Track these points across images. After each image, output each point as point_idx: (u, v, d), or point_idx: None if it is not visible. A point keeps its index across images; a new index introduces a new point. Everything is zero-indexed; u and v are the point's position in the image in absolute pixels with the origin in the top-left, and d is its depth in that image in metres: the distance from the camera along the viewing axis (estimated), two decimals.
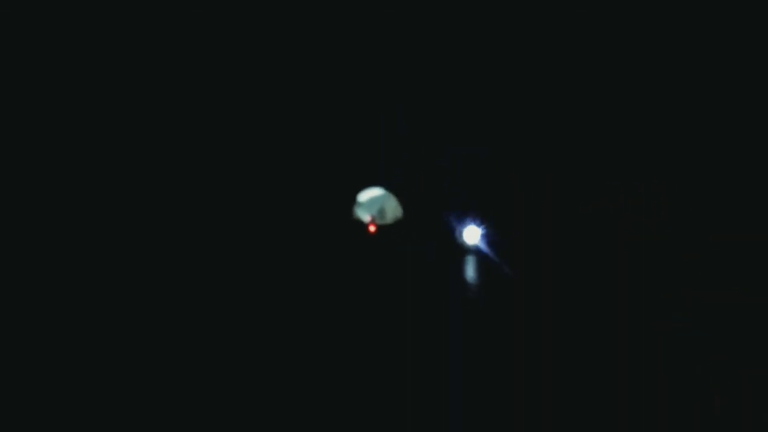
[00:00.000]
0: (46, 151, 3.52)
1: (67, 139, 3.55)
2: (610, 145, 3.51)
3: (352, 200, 3.56)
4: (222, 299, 3.32)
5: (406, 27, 3.58)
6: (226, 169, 3.60)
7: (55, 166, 3.53)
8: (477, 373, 2.60)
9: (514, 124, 3.62)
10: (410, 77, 3.64)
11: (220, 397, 2.43)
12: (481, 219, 3.49)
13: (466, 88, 3.64)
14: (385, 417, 2.28)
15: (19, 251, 3.39)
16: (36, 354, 2.78)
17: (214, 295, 3.34)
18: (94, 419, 2.30)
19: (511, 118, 3.62)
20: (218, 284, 3.40)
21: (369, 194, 3.41)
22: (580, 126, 3.57)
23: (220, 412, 2.34)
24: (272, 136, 3.64)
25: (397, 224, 3.50)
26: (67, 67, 3.55)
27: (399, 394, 2.42)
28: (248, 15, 3.58)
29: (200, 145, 3.57)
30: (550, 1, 3.54)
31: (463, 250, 3.51)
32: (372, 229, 3.23)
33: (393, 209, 3.38)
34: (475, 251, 3.50)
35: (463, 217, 3.50)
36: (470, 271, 3.39)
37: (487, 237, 3.51)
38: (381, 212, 3.34)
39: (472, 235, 3.48)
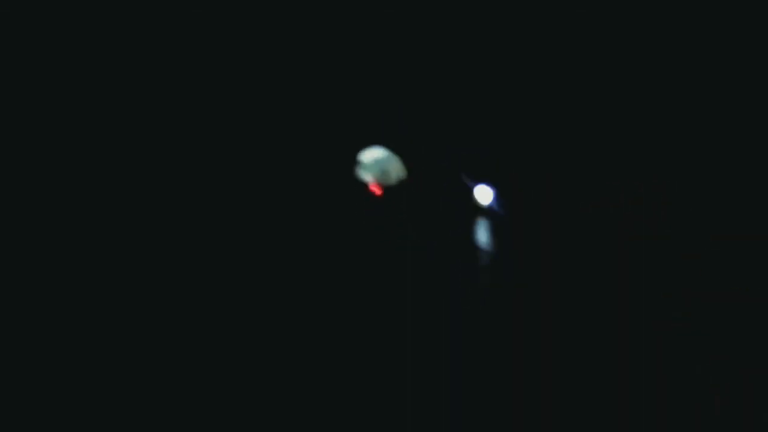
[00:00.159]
0: (46, 150, 3.52)
1: (65, 139, 3.55)
2: (610, 145, 3.50)
3: (350, 199, 3.55)
4: (213, 287, 3.31)
5: (407, 27, 3.58)
6: (222, 158, 3.59)
7: (54, 165, 3.53)
8: (476, 372, 2.60)
9: (513, 124, 3.62)
10: (410, 77, 3.64)
11: (215, 393, 2.42)
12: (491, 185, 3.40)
13: (466, 88, 3.64)
14: (385, 411, 2.28)
15: (19, 251, 3.39)
16: (36, 354, 2.77)
17: (206, 284, 3.33)
18: (94, 419, 2.30)
19: (510, 118, 3.62)
20: (209, 272, 3.38)
21: (371, 154, 3.33)
22: (580, 126, 3.57)
23: (215, 408, 2.33)
24: (270, 134, 3.64)
25: (397, 220, 3.47)
26: (66, 66, 3.55)
27: (398, 389, 2.42)
28: (248, 12, 3.58)
29: (197, 138, 3.56)
30: (550, 1, 3.54)
31: (474, 216, 3.42)
32: (375, 190, 3.16)
33: (396, 169, 3.30)
34: (488, 212, 3.41)
35: (475, 179, 3.41)
36: (483, 235, 3.31)
37: (498, 199, 3.43)
38: (384, 173, 3.26)
39: (484, 195, 3.39)
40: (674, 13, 3.47)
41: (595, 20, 3.51)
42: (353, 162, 3.56)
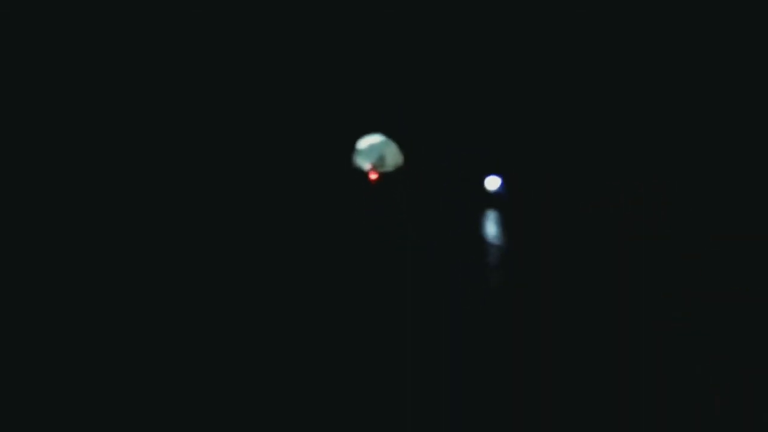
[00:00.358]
0: (46, 150, 3.52)
1: (64, 139, 3.55)
2: (610, 145, 3.50)
3: (349, 197, 3.55)
4: (213, 285, 3.31)
5: (407, 27, 3.58)
6: (221, 155, 3.59)
7: (54, 165, 3.53)
8: (476, 370, 2.60)
9: (513, 124, 3.62)
10: (410, 77, 3.64)
11: (214, 392, 2.43)
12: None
13: (465, 88, 3.64)
14: (385, 411, 2.28)
15: (19, 251, 3.39)
16: (36, 354, 2.78)
17: (207, 282, 3.33)
18: (94, 419, 2.30)
19: (510, 118, 3.62)
20: (210, 270, 3.39)
21: (368, 141, 3.32)
22: (580, 126, 3.57)
23: (214, 407, 2.34)
24: (270, 133, 3.64)
25: (396, 222, 3.47)
26: (66, 66, 3.55)
27: (398, 388, 2.42)
28: (248, 12, 3.58)
29: (195, 135, 3.56)
30: (550, 1, 3.53)
31: (482, 208, 3.39)
32: (373, 176, 3.15)
33: (393, 155, 3.30)
34: (496, 200, 3.38)
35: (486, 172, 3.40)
36: (491, 228, 3.28)
37: (504, 187, 3.41)
38: (381, 159, 3.26)
39: (492, 183, 3.36)
40: (674, 14, 3.47)
41: (594, 21, 3.51)
42: (354, 161, 3.57)
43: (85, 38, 3.53)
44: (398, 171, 3.35)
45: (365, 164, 3.27)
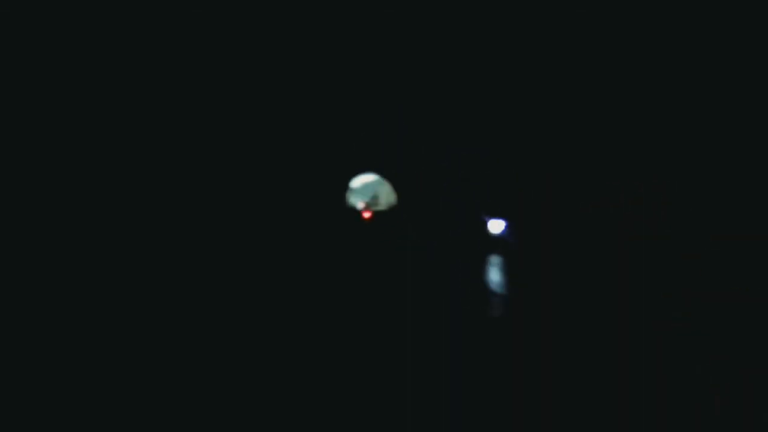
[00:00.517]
0: (46, 150, 3.52)
1: (64, 139, 3.55)
2: (610, 145, 3.50)
3: (346, 199, 3.55)
4: (212, 294, 3.31)
5: (406, 27, 3.58)
6: (222, 159, 3.59)
7: (54, 165, 3.53)
8: (477, 370, 2.60)
9: (513, 124, 3.62)
10: (410, 77, 3.64)
11: (218, 392, 2.43)
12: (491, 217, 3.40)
13: (465, 88, 3.64)
14: (385, 410, 2.28)
15: (19, 251, 3.39)
16: (36, 354, 2.77)
17: (204, 289, 3.33)
18: (94, 419, 2.30)
19: (510, 118, 3.62)
20: (207, 279, 3.39)
21: (362, 180, 3.34)
22: (580, 126, 3.57)
23: (218, 407, 2.34)
24: (268, 133, 3.64)
25: (396, 222, 3.47)
26: (66, 67, 3.55)
27: (398, 389, 2.42)
28: (248, 12, 3.58)
29: (195, 140, 3.57)
30: (550, 1, 3.53)
31: (484, 247, 3.40)
32: (366, 215, 3.16)
33: (386, 195, 3.31)
34: (500, 243, 3.37)
35: (489, 212, 3.41)
36: (495, 274, 3.28)
37: (508, 231, 3.41)
38: (374, 198, 3.27)
39: (496, 226, 3.36)
40: (674, 14, 3.47)
41: (594, 21, 3.51)
42: (353, 164, 3.56)
43: (85, 38, 3.53)
44: (393, 208, 3.36)
45: (358, 203, 3.29)
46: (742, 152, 3.38)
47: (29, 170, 3.48)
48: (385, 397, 2.34)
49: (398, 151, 3.61)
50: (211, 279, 3.43)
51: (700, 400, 2.30)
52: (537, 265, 3.46)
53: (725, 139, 3.40)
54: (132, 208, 3.49)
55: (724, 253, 3.21)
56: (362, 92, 3.65)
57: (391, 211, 3.33)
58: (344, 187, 3.56)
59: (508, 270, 3.31)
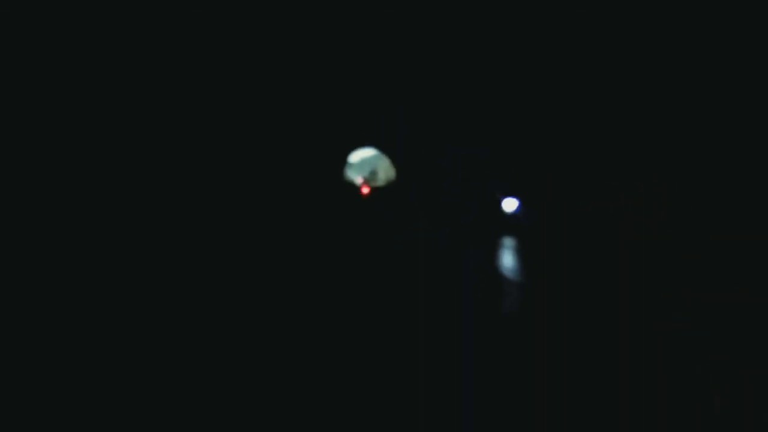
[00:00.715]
0: (46, 150, 3.52)
1: (64, 139, 3.56)
2: (611, 146, 3.51)
3: (348, 198, 3.55)
4: (221, 286, 3.32)
5: (407, 27, 3.59)
6: (229, 154, 3.60)
7: (54, 165, 3.54)
8: (477, 370, 2.61)
9: (513, 124, 3.62)
10: (410, 76, 3.64)
11: (228, 387, 2.43)
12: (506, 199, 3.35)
13: (465, 88, 3.65)
14: (397, 403, 2.29)
15: (19, 251, 3.39)
16: (36, 354, 2.78)
17: (214, 282, 3.34)
18: (95, 419, 2.30)
19: (510, 118, 3.62)
20: (218, 272, 3.39)
21: (360, 155, 3.32)
22: (580, 126, 3.57)
23: (227, 404, 2.34)
24: (271, 132, 3.64)
25: (407, 210, 3.44)
26: (66, 67, 3.55)
27: (410, 381, 2.42)
28: (252, 12, 3.59)
29: (197, 134, 3.57)
30: (550, 1, 3.54)
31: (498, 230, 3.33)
32: (365, 191, 3.13)
33: (385, 170, 3.29)
34: (514, 221, 3.32)
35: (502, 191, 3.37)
36: (508, 258, 3.23)
37: (521, 209, 3.37)
38: (372, 173, 3.25)
39: (509, 205, 3.32)
40: (674, 15, 3.47)
41: (595, 21, 3.52)
42: (346, 175, 3.56)
43: (86, 39, 3.54)
44: (391, 184, 3.33)
45: (357, 178, 3.27)
46: (742, 152, 3.38)
47: (29, 170, 3.48)
48: (396, 386, 2.35)
49: (401, 130, 3.60)
50: (218, 270, 3.44)
51: (700, 400, 2.31)
52: (537, 264, 3.46)
53: (725, 140, 3.40)
54: (131, 195, 3.49)
55: (724, 253, 3.21)
56: (363, 92, 3.65)
57: (401, 201, 3.30)
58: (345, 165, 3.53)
59: (522, 253, 3.28)
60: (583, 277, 3.33)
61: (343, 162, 3.50)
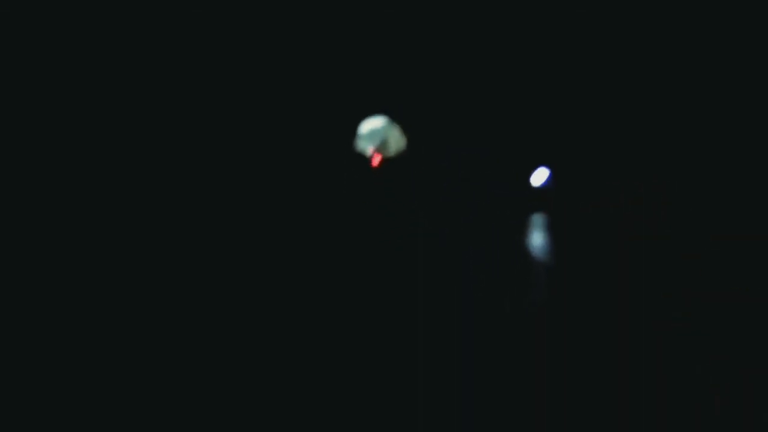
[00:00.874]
0: (46, 150, 3.52)
1: (63, 139, 3.55)
2: (611, 145, 3.50)
3: (350, 199, 3.53)
4: (218, 282, 3.31)
5: (407, 27, 3.58)
6: (226, 148, 3.58)
7: (54, 166, 3.53)
8: (477, 370, 2.61)
9: (513, 124, 3.62)
10: (410, 76, 3.63)
11: (225, 388, 2.43)
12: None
13: (466, 88, 3.64)
14: (396, 404, 2.28)
15: (19, 251, 3.39)
16: (36, 354, 2.77)
17: (213, 279, 3.32)
18: (94, 419, 2.30)
19: (510, 118, 3.62)
20: (216, 269, 3.38)
21: (370, 124, 3.19)
22: (580, 126, 3.57)
23: (225, 405, 2.34)
24: (271, 132, 3.63)
25: (407, 206, 3.40)
26: (65, 67, 3.55)
27: (409, 390, 2.42)
28: (249, 11, 3.58)
29: (199, 130, 3.56)
30: (550, 1, 3.53)
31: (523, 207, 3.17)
32: (375, 161, 3.04)
33: (396, 140, 3.17)
34: (543, 194, 3.16)
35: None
36: (537, 237, 3.10)
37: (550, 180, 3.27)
38: (383, 143, 3.13)
39: (538, 177, 3.18)
40: (674, 13, 3.47)
41: (594, 20, 3.51)
42: (358, 155, 3.54)
43: (86, 39, 3.53)
44: (402, 157, 3.24)
45: (367, 149, 3.14)
46: (742, 152, 3.38)
47: (29, 170, 3.48)
48: (395, 385, 2.34)
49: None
50: (214, 266, 3.43)
51: (700, 400, 2.31)
52: (537, 265, 3.46)
53: (725, 140, 3.40)
54: (132, 184, 3.48)
55: (724, 253, 3.21)
56: (362, 92, 3.65)
57: (401, 201, 3.25)
58: (354, 179, 3.53)
59: (551, 231, 3.12)
60: (583, 277, 3.33)
61: (342, 162, 3.48)
